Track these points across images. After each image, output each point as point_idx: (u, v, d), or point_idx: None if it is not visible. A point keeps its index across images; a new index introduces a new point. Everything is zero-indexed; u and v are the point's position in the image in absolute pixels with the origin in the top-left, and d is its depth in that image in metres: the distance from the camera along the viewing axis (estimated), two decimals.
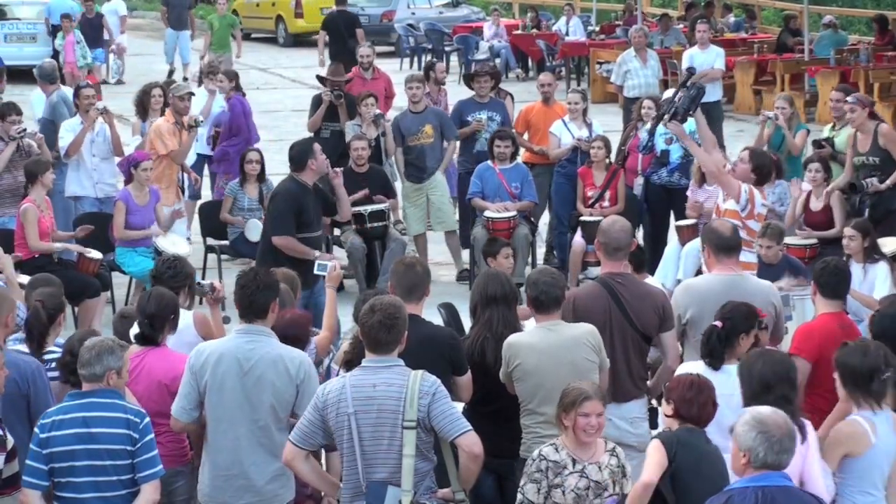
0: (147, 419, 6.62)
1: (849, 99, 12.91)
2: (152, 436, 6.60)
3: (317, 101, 15.21)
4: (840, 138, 13.16)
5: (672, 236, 13.39)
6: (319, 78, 15.50)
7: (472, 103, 15.02)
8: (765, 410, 5.49)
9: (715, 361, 7.39)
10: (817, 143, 13.28)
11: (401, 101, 16.48)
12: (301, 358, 6.97)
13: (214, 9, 26.16)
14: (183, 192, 14.21)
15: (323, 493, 7.19)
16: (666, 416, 6.75)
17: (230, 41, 24.92)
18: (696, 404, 6.65)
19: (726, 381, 7.22)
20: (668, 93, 14.92)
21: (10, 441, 6.82)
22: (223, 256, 14.00)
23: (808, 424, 6.71)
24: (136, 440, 6.53)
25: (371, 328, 6.46)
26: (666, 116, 9.98)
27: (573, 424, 6.76)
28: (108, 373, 6.60)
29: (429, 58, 29.58)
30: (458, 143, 14.79)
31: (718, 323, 7.46)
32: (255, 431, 6.87)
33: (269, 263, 9.38)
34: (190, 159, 14.66)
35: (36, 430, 6.62)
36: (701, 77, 14.06)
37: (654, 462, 6.52)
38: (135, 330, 7.58)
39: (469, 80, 15.55)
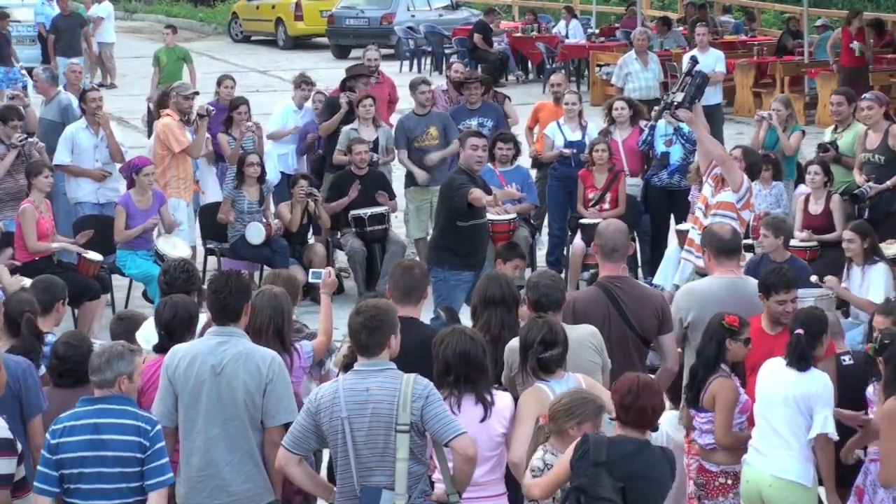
0: (158, 426, 6.56)
1: (866, 96, 12.96)
2: (163, 443, 6.54)
3: (332, 105, 15.00)
4: (844, 140, 13.15)
5: (672, 239, 13.37)
6: (345, 81, 15.26)
7: (464, 110, 14.93)
8: None
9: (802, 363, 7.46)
10: (822, 147, 13.24)
11: (405, 104, 16.44)
12: (272, 356, 6.88)
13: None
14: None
15: None
16: (611, 419, 6.64)
17: (183, 76, 20.67)
18: (634, 409, 6.44)
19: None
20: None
21: (20, 446, 6.82)
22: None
23: (501, 396, 6.95)
24: (147, 447, 6.47)
25: (354, 331, 6.46)
26: (674, 105, 10.16)
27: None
28: (119, 378, 6.54)
29: (429, 60, 29.73)
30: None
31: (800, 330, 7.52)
32: (230, 431, 6.79)
33: (450, 239, 10.91)
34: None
35: (47, 435, 6.58)
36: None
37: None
38: (153, 339, 7.55)
39: (459, 87, 15.42)
